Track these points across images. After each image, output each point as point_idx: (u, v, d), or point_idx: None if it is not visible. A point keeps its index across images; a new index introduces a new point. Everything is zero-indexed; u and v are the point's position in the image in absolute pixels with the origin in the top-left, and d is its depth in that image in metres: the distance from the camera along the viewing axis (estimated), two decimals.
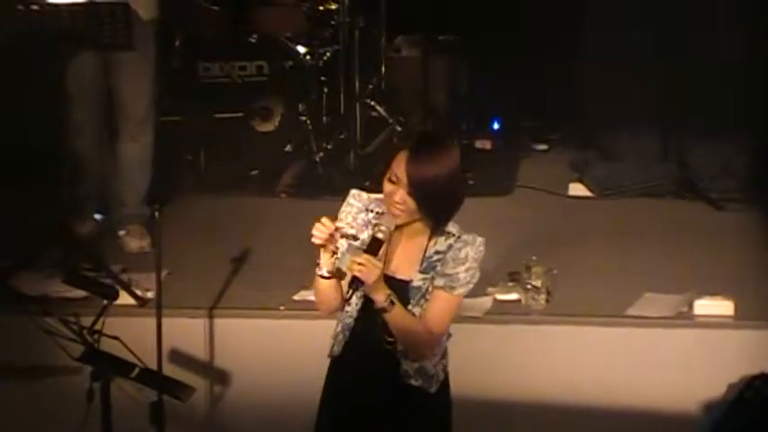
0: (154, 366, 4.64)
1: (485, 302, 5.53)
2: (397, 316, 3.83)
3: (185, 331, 5.41)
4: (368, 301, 3.91)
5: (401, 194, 3.83)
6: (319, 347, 5.43)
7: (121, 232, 6.26)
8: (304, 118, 7.49)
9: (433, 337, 3.89)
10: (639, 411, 5.25)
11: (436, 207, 3.89)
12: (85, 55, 6.06)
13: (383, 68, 7.95)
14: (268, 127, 7.49)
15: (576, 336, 5.37)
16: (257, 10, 7.75)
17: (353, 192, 4.04)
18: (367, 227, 3.95)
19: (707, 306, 5.40)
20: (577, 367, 5.31)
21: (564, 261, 5.79)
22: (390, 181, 3.86)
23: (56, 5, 5.88)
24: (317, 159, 7.41)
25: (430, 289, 3.92)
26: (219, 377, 5.45)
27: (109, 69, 6.13)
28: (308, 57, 7.60)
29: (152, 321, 4.73)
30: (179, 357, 5.37)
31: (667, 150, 7.38)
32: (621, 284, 5.71)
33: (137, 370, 4.48)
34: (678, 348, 5.30)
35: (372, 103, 7.77)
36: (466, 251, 3.91)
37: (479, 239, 3.95)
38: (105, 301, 4.58)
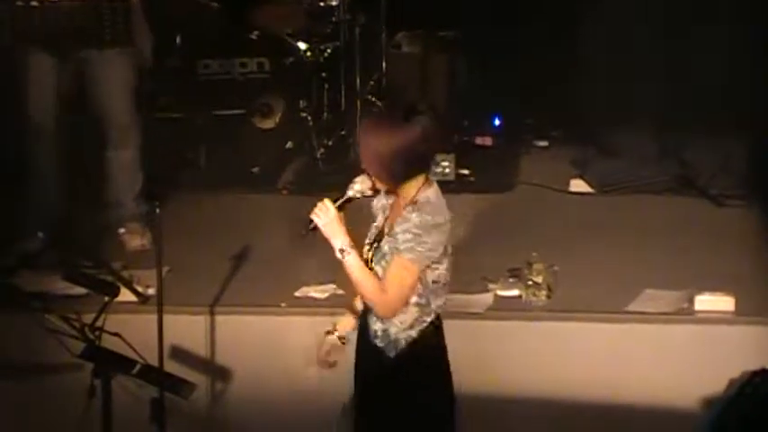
0: (155, 363, 4.64)
1: (486, 299, 5.53)
2: (350, 266, 4.12)
3: (186, 328, 5.42)
4: None
5: (366, 158, 4.17)
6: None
7: (121, 230, 6.27)
8: (305, 115, 7.50)
9: (384, 296, 4.10)
10: (640, 407, 5.26)
11: (384, 178, 4.15)
12: (48, 58, 5.97)
13: (384, 65, 7.95)
14: (269, 124, 7.50)
15: (577, 332, 5.38)
16: (257, 6, 7.75)
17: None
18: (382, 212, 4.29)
19: (707, 302, 5.41)
20: (578, 363, 5.31)
21: (565, 257, 5.80)
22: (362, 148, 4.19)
23: (55, 2, 5.88)
24: (318, 156, 7.41)
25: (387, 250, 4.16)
26: (220, 374, 5.45)
27: (87, 79, 6.07)
28: (308, 53, 7.60)
29: (153, 318, 4.73)
30: (180, 354, 5.37)
31: (667, 147, 7.38)
32: (622, 280, 5.71)
33: (138, 367, 4.48)
34: (679, 344, 5.31)
35: (373, 99, 7.77)
36: (411, 216, 4.09)
37: (428, 210, 4.08)
38: (106, 298, 4.58)
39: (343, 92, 7.70)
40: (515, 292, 5.57)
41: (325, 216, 4.13)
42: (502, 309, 5.49)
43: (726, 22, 7.35)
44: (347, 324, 4.41)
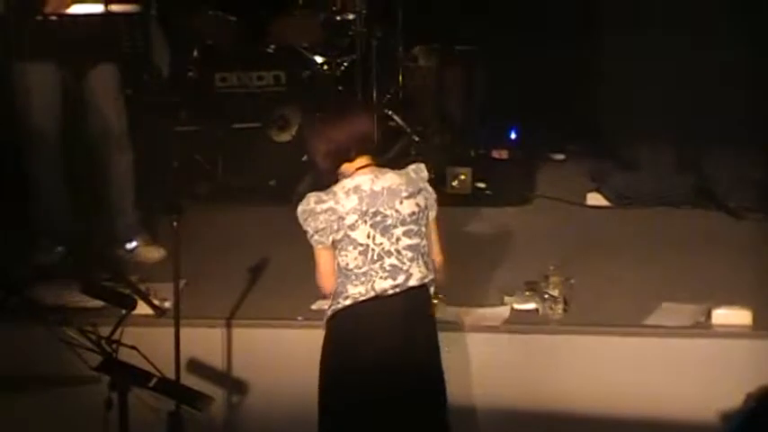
0: (172, 376, 4.64)
1: (502, 312, 5.52)
2: None
3: (203, 341, 5.42)
4: None
5: None
6: None
7: (133, 244, 6.26)
8: None
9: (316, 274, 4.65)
10: (657, 421, 5.24)
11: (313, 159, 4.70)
12: (63, 72, 6.00)
13: (400, 78, 7.96)
14: (285, 137, 7.51)
15: (593, 346, 5.36)
16: (274, 20, 7.77)
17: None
18: None
19: (725, 316, 5.39)
20: (595, 377, 5.30)
21: (582, 271, 5.79)
22: None
23: (74, 16, 5.89)
24: None
25: None
26: (237, 387, 5.45)
27: (83, 86, 6.08)
28: (325, 67, 7.61)
29: (170, 331, 4.74)
30: (197, 367, 5.37)
31: (685, 160, 7.36)
32: (639, 294, 5.69)
33: (155, 380, 4.48)
34: (696, 358, 5.29)
35: (390, 112, 7.78)
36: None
37: (324, 193, 4.55)
38: (123, 311, 4.59)
39: None
40: (532, 306, 5.55)
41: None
42: (518, 322, 5.48)
43: (747, 33, 7.32)
44: None
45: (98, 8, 5.89)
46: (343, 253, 4.54)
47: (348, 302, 4.55)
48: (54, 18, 5.87)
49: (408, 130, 7.76)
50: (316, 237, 4.56)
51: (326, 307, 5.31)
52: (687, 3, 7.29)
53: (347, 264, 4.54)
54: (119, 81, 6.13)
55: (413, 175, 4.61)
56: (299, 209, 4.57)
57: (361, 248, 4.52)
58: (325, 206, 4.53)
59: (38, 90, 5.98)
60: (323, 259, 4.61)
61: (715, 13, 7.24)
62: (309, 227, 4.56)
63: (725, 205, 6.92)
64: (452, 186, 7.12)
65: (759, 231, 6.60)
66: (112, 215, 6.29)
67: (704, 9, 7.25)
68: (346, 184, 4.54)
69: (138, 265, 6.16)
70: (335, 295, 4.62)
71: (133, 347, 4.56)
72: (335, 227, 4.52)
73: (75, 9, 5.89)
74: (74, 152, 6.22)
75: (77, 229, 6.26)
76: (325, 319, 4.65)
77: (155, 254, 6.22)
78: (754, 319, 5.37)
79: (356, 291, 4.53)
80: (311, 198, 4.54)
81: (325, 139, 4.59)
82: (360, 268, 4.53)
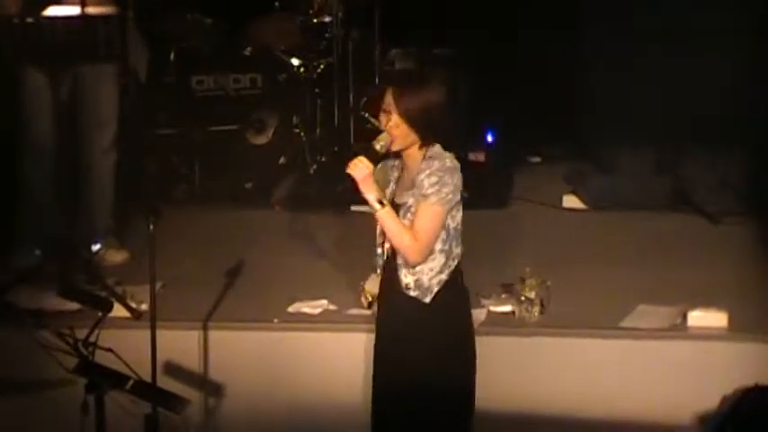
0: (148, 379, 4.63)
1: (479, 314, 5.53)
2: (386, 218, 4.42)
3: (180, 343, 5.41)
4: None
5: (394, 119, 4.42)
6: (313, 359, 5.45)
7: (97, 247, 6.24)
8: (298, 130, 7.51)
9: (416, 244, 4.41)
10: (634, 423, 5.25)
11: (419, 133, 4.42)
12: (44, 74, 5.97)
13: (377, 81, 7.96)
14: (262, 139, 7.50)
15: (570, 348, 5.38)
16: (251, 23, 7.77)
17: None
18: (392, 174, 4.58)
19: (701, 318, 5.41)
20: (571, 379, 5.31)
21: (558, 273, 5.80)
22: (385, 111, 4.45)
23: (51, 18, 5.88)
24: (311, 172, 7.42)
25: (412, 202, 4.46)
26: (214, 389, 5.45)
27: (80, 93, 6.08)
28: (302, 69, 7.61)
29: (146, 333, 4.73)
30: (173, 369, 5.37)
31: (662, 163, 7.39)
32: (615, 296, 5.71)
33: (131, 382, 4.48)
34: (672, 360, 5.31)
35: (366, 115, 7.78)
36: (433, 162, 4.42)
37: (447, 155, 4.44)
38: (100, 314, 4.58)
39: (336, 108, 7.71)
40: (508, 308, 5.57)
41: (362, 171, 4.38)
42: (495, 324, 5.49)
43: (724, 36, 7.35)
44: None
45: (75, 10, 5.88)
46: (454, 212, 4.47)
47: (456, 262, 4.48)
48: (31, 20, 5.86)
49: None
50: (451, 195, 4.41)
51: (307, 309, 5.37)
52: (664, 6, 7.33)
53: (456, 224, 4.49)
54: (113, 82, 6.11)
55: None
56: (440, 163, 4.39)
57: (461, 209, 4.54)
58: (457, 164, 4.46)
59: (30, 93, 5.96)
60: (444, 220, 4.42)
61: (693, 16, 7.28)
62: (451, 181, 4.40)
63: (702, 209, 6.95)
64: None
65: (735, 234, 6.63)
66: (87, 217, 6.27)
67: (682, 12, 7.29)
68: (438, 148, 4.46)
69: (103, 268, 6.13)
70: (446, 259, 4.45)
71: (110, 350, 4.55)
72: (461, 184, 4.48)
73: (52, 11, 5.88)
74: (61, 153, 6.21)
75: (57, 232, 6.24)
76: (433, 288, 4.45)
77: (117, 257, 6.21)
78: (730, 321, 5.39)
79: (457, 252, 4.49)
80: (446, 156, 4.43)
81: (444, 102, 4.48)
82: (460, 227, 4.53)
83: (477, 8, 8.11)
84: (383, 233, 4.51)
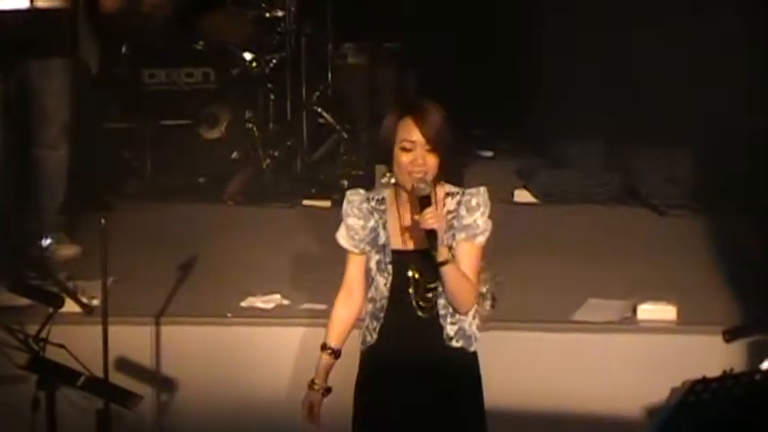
0: (100, 374, 4.62)
1: None
2: (454, 268, 4.04)
3: (132, 339, 5.40)
4: (396, 281, 4.10)
5: (421, 154, 4.06)
6: (266, 354, 5.45)
7: (47, 242, 6.20)
8: (251, 125, 7.50)
9: (474, 288, 4.14)
10: (584, 416, 5.29)
11: (449, 159, 4.12)
12: None
13: (330, 76, 7.97)
14: (215, 134, 7.49)
15: (521, 341, 5.41)
16: (204, 16, 7.74)
17: (349, 192, 4.28)
18: (372, 214, 4.20)
19: (650, 311, 5.46)
20: (522, 373, 5.34)
21: (509, 267, 5.81)
22: (405, 149, 4.07)
23: (0, 11, 5.84)
24: (264, 166, 7.41)
25: (454, 245, 4.10)
26: (166, 384, 5.44)
27: (30, 87, 6.03)
28: (254, 64, 7.60)
29: (98, 329, 4.72)
30: (125, 365, 5.35)
31: (612, 158, 7.44)
32: (566, 290, 5.75)
33: (83, 378, 4.46)
34: (622, 353, 5.36)
35: (319, 110, 7.78)
36: (476, 200, 4.14)
37: (482, 188, 4.18)
38: (51, 309, 4.56)
39: (288, 102, 7.70)
40: None
41: (441, 220, 4.05)
42: None
43: (670, 33, 7.40)
44: (328, 364, 4.21)
45: (24, 3, 5.84)
46: None
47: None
48: None
49: (338, 127, 7.77)
50: (489, 227, 4.16)
51: (260, 304, 5.29)
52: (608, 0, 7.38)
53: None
54: (62, 76, 6.06)
55: None
56: (485, 201, 4.13)
57: None
58: None
59: None
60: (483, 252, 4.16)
61: (638, 10, 7.33)
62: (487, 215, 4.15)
63: (649, 202, 7.01)
64: (381, 184, 7.12)
65: (682, 228, 6.69)
66: (36, 212, 6.24)
67: (628, 6, 7.33)
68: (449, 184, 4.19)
69: (54, 263, 6.10)
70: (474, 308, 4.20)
71: (61, 346, 4.54)
72: None
73: (1, 4, 5.84)
74: (8, 148, 6.17)
75: (6, 227, 6.21)
76: (475, 336, 4.20)
77: (68, 252, 6.18)
78: (679, 314, 5.45)
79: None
80: (482, 189, 4.16)
81: None
82: None
83: (429, 3, 8.12)
84: (429, 234, 4.01)
